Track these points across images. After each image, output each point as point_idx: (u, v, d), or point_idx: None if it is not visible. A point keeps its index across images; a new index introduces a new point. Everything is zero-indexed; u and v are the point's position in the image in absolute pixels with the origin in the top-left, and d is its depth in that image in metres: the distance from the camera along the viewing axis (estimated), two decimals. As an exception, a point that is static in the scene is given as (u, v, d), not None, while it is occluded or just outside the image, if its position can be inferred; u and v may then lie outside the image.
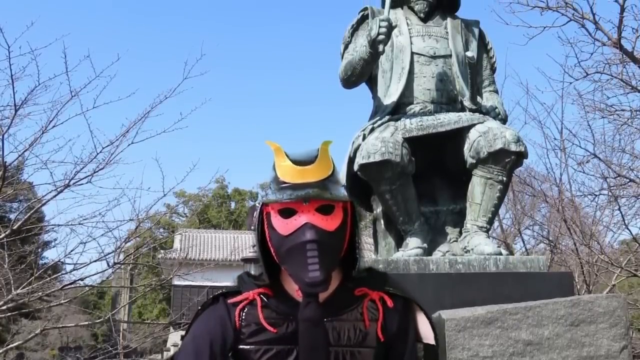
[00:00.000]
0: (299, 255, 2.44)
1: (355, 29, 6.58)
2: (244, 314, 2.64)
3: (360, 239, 2.71)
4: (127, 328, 33.75)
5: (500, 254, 5.44)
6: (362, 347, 2.58)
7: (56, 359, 43.29)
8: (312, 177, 2.51)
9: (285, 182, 2.52)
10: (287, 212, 2.50)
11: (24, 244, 13.63)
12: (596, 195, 14.93)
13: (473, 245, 5.54)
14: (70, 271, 12.35)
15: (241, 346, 2.60)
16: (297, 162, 2.53)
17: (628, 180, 13.56)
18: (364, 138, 5.77)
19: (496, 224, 16.29)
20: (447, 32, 6.42)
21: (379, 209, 6.20)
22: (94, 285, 13.58)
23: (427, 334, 2.75)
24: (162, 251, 33.91)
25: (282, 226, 2.49)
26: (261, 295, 2.65)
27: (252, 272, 2.82)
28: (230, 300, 2.68)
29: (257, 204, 2.65)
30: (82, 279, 12.14)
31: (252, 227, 2.66)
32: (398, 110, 6.11)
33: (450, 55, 6.29)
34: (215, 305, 2.72)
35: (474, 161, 5.63)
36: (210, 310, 2.72)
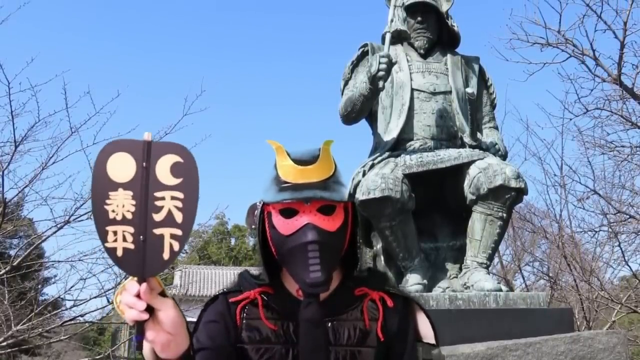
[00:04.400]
0: (300, 255, 2.43)
1: (355, 65, 6.61)
2: (244, 313, 2.62)
3: (361, 238, 2.71)
4: (126, 365, 33.64)
5: (500, 290, 5.44)
6: (363, 347, 2.56)
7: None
8: (314, 177, 2.49)
9: (286, 182, 2.50)
10: (288, 212, 2.48)
11: (24, 280, 13.60)
12: (596, 232, 14.95)
13: (473, 282, 5.54)
14: (70, 307, 12.30)
15: (241, 345, 2.59)
16: (298, 162, 2.50)
17: (628, 216, 13.59)
18: (363, 174, 5.77)
19: (496, 260, 16.27)
20: (447, 69, 6.45)
21: (378, 245, 6.20)
22: (94, 322, 13.50)
23: (427, 333, 2.73)
24: (162, 287, 33.74)
25: (283, 226, 2.48)
26: (262, 295, 2.65)
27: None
28: (231, 299, 2.66)
29: (258, 203, 2.64)
30: (82, 315, 12.09)
31: (253, 226, 2.65)
32: (398, 146, 6.12)
33: (451, 92, 6.30)
34: (215, 303, 2.71)
35: (474, 197, 5.64)
36: (212, 307, 2.71)
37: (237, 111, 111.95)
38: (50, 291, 27.26)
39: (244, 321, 2.60)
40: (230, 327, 2.59)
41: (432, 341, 2.73)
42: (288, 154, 2.54)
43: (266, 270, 2.62)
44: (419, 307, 2.77)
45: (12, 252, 13.94)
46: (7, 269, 10.73)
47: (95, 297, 11.72)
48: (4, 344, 10.66)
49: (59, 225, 10.83)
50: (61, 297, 12.33)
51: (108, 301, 11.91)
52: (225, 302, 2.66)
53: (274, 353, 2.54)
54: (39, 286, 16.33)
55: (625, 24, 11.20)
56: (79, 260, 11.43)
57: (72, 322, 12.21)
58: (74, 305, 11.94)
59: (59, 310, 14.07)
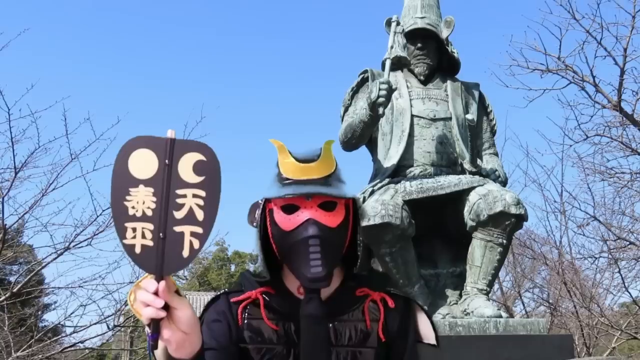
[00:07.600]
0: (301, 250, 2.44)
1: (355, 91, 6.63)
2: (246, 313, 2.62)
3: (361, 236, 2.72)
4: (126, 391, 33.51)
5: (500, 316, 5.44)
6: (364, 348, 2.55)
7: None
8: (315, 174, 2.52)
9: (288, 179, 2.52)
10: (289, 209, 2.50)
11: (24, 307, 13.58)
12: (596, 258, 14.89)
13: (473, 308, 5.54)
14: (70, 334, 12.32)
15: (242, 345, 2.58)
16: (300, 160, 2.53)
17: (628, 242, 13.55)
18: (364, 201, 5.77)
19: (496, 286, 16.25)
20: (447, 95, 6.47)
21: (379, 271, 6.20)
22: (94, 348, 13.45)
23: (427, 334, 2.73)
24: (162, 314, 33.66)
25: (285, 222, 2.49)
26: (263, 295, 2.64)
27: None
28: (232, 299, 2.66)
29: (260, 201, 2.65)
30: (82, 342, 12.05)
31: (255, 224, 2.66)
32: (398, 172, 6.13)
33: (450, 118, 6.32)
34: (217, 303, 2.70)
35: (474, 224, 5.64)
36: (214, 307, 2.69)
37: (237, 137, 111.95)
38: (50, 317, 27.24)
39: (246, 321, 2.59)
40: (232, 327, 2.58)
41: (433, 342, 2.73)
42: (290, 153, 2.56)
43: (267, 269, 2.63)
44: (420, 308, 2.77)
45: (12, 279, 13.88)
46: (7, 295, 10.71)
47: (95, 324, 11.74)
48: (4, 370, 10.64)
49: (59, 252, 10.82)
50: (61, 323, 12.31)
51: (108, 327, 11.92)
52: (226, 302, 2.65)
53: (275, 353, 2.53)
54: (39, 312, 16.29)
55: (625, 50, 11.20)
56: (79, 286, 11.43)
57: (72, 348, 12.21)
58: (74, 332, 11.94)
59: (59, 336, 14.08)
